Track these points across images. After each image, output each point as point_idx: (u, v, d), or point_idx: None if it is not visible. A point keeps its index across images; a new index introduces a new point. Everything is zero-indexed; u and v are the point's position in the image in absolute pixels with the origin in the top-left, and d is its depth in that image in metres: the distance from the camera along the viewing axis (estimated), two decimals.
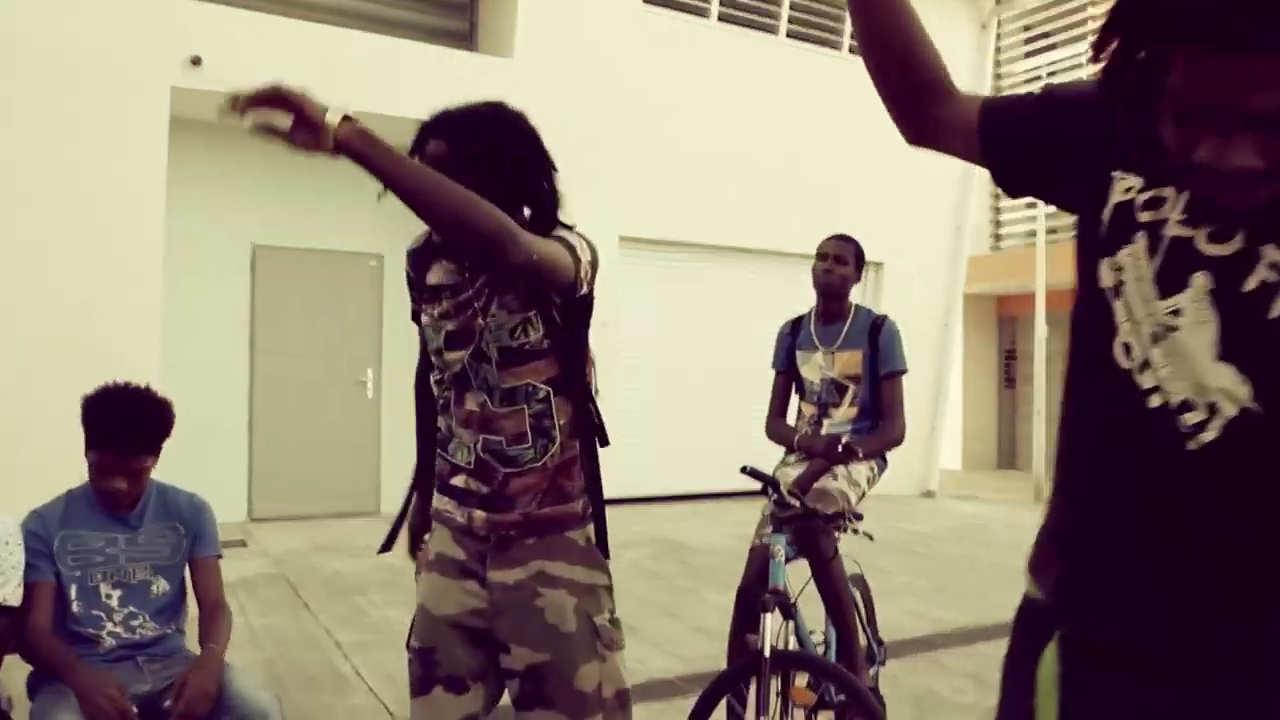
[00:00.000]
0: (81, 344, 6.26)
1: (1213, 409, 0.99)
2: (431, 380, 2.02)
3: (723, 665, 4.28)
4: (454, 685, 1.95)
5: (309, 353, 8.18)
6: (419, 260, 2.01)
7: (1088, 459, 1.12)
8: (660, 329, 9.41)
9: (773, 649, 2.66)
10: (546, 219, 1.89)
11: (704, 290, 9.79)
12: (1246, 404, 0.96)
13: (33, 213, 6.41)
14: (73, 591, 2.45)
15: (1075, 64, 14.44)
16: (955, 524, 9.08)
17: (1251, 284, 0.96)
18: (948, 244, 11.13)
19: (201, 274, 7.67)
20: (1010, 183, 1.23)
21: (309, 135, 1.45)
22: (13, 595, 2.34)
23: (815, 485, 3.08)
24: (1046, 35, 14.66)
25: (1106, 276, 1.07)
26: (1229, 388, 0.98)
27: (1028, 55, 15.04)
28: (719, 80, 9.40)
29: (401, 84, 7.33)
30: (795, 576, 2.94)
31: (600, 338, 2.08)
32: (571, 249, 1.81)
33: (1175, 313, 1.01)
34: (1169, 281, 1.01)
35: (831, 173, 9.93)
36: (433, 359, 1.99)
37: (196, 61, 6.82)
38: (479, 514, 1.93)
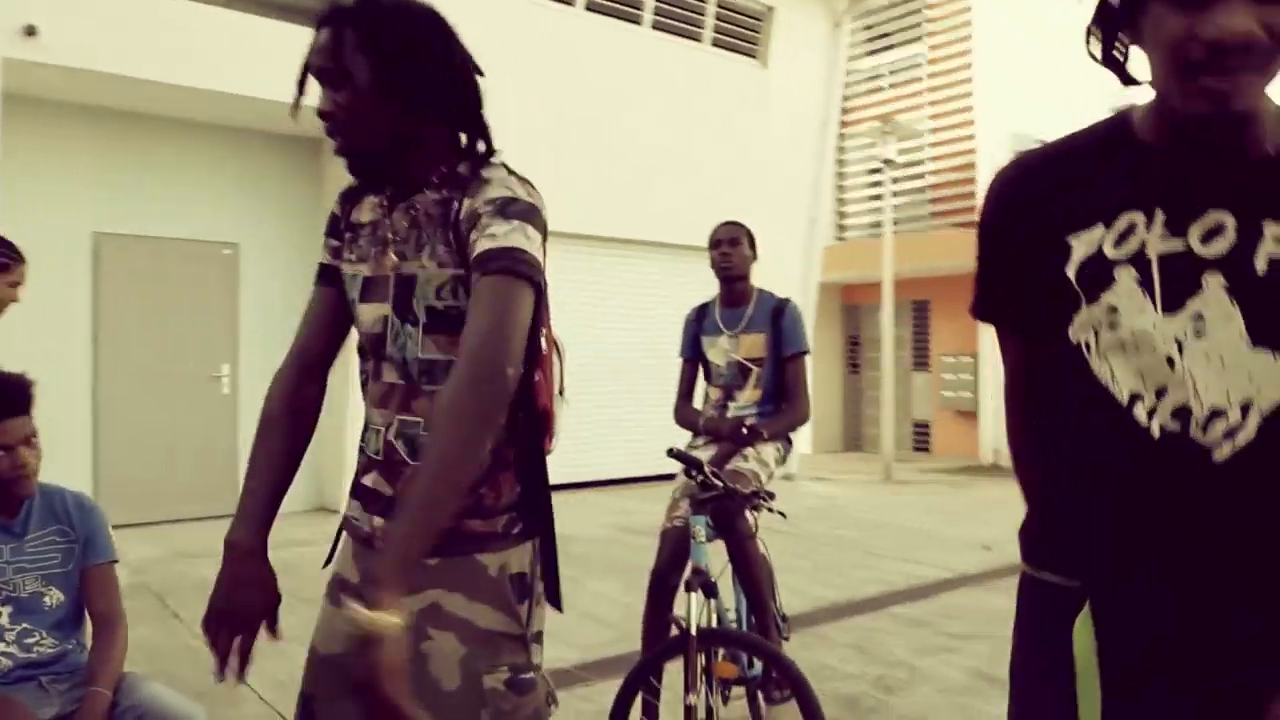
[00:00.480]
0: None
1: (1246, 408, 1.03)
2: (357, 368, 1.67)
3: (616, 650, 4.36)
4: None
5: (159, 348, 7.70)
6: (350, 197, 1.69)
7: (1097, 479, 1.14)
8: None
9: (699, 627, 2.73)
10: (484, 148, 1.60)
11: (590, 282, 9.83)
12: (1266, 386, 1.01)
13: None
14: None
15: (913, 64, 15.21)
16: (815, 504, 9.47)
17: (1261, 265, 1.02)
18: (802, 235, 11.54)
19: (36, 265, 7.07)
20: (1011, 303, 1.25)
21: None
22: None
23: (728, 466, 3.16)
24: (886, 35, 15.40)
25: (1092, 323, 1.11)
26: (1263, 371, 1.02)
27: (870, 54, 15.75)
28: (581, 67, 9.42)
29: (260, 62, 6.99)
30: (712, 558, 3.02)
31: None
32: (520, 260, 1.44)
33: (1198, 317, 1.05)
34: (1175, 296, 1.05)
35: (689, 160, 10.13)
36: (356, 329, 1.67)
37: (31, 31, 6.28)
38: (378, 521, 1.58)
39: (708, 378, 3.55)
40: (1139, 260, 1.06)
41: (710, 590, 2.86)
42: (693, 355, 3.58)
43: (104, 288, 7.48)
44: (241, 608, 1.55)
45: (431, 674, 1.47)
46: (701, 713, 2.69)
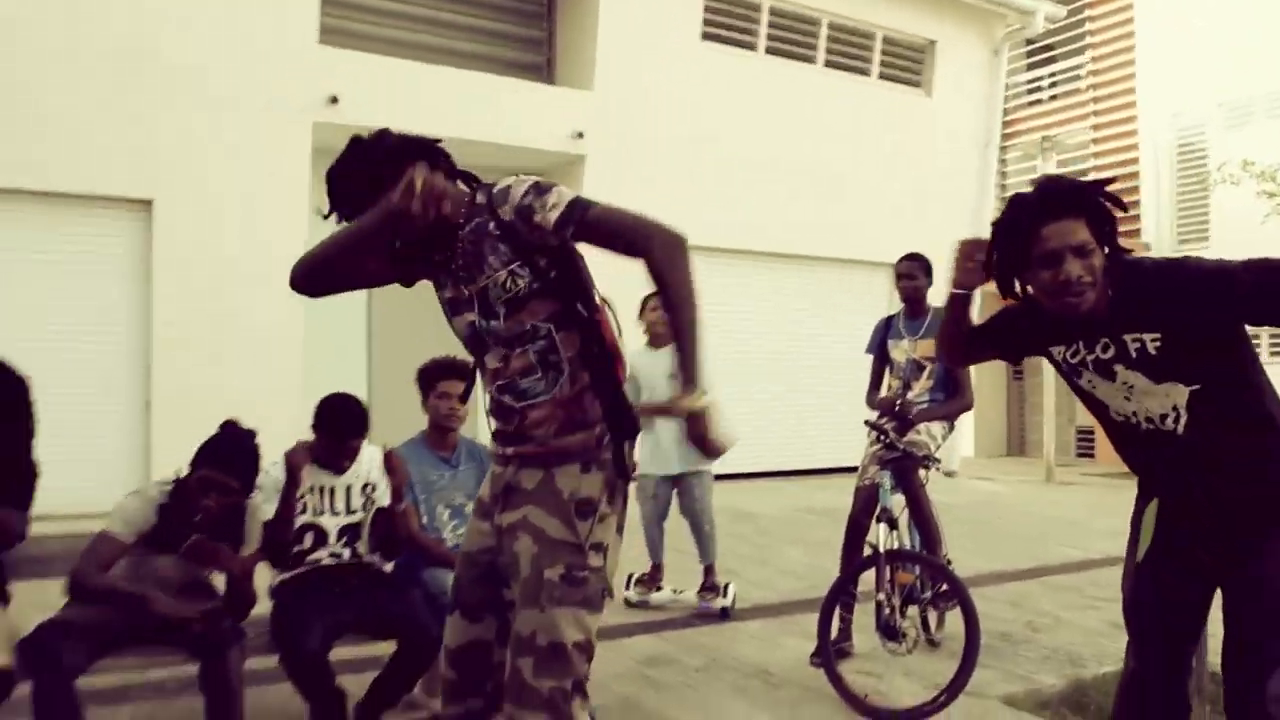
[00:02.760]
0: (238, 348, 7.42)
1: (1175, 409, 2.10)
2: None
3: (808, 596, 5.44)
4: (468, 613, 2.20)
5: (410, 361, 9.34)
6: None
7: (1130, 448, 2.25)
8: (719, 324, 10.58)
9: (886, 549, 3.87)
10: (468, 179, 2.25)
11: (772, 293, 11.03)
12: (1187, 394, 2.06)
13: (220, 225, 7.62)
14: (422, 509, 3.61)
15: (1074, 75, 15.56)
16: (977, 498, 10.24)
17: (1132, 353, 2.09)
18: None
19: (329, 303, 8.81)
20: (1005, 355, 2.48)
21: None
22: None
23: (905, 437, 4.25)
24: (1048, 48, 15.77)
25: (1085, 385, 2.22)
26: (1171, 392, 2.08)
27: (1030, 67, 16.17)
28: (765, 104, 10.57)
29: (495, 115, 8.54)
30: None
31: None
32: (581, 200, 2.06)
33: (1127, 385, 2.13)
34: (1109, 376, 2.14)
35: (863, 184, 11.13)
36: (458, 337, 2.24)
37: (334, 100, 8.01)
38: (509, 449, 2.16)
39: (891, 371, 4.65)
40: (1085, 364, 2.18)
41: (893, 524, 3.99)
42: (879, 353, 4.69)
43: (376, 304, 9.16)
44: None
45: (519, 565, 2.07)
46: (886, 609, 3.81)
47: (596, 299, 2.16)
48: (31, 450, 2.60)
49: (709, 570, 5.18)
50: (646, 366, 4.97)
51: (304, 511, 3.28)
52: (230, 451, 3.07)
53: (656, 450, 5.10)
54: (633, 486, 4.79)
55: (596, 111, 9.19)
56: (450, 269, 2.14)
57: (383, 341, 9.18)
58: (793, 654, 4.42)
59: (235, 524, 3.13)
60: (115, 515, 3.04)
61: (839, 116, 11.06)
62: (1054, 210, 2.04)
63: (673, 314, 1.98)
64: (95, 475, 6.90)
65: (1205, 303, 2.01)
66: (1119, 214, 2.09)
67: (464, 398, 3.52)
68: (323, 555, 3.31)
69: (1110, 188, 2.10)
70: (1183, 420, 2.10)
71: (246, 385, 7.24)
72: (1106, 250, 2.08)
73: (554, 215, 2.01)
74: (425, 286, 2.31)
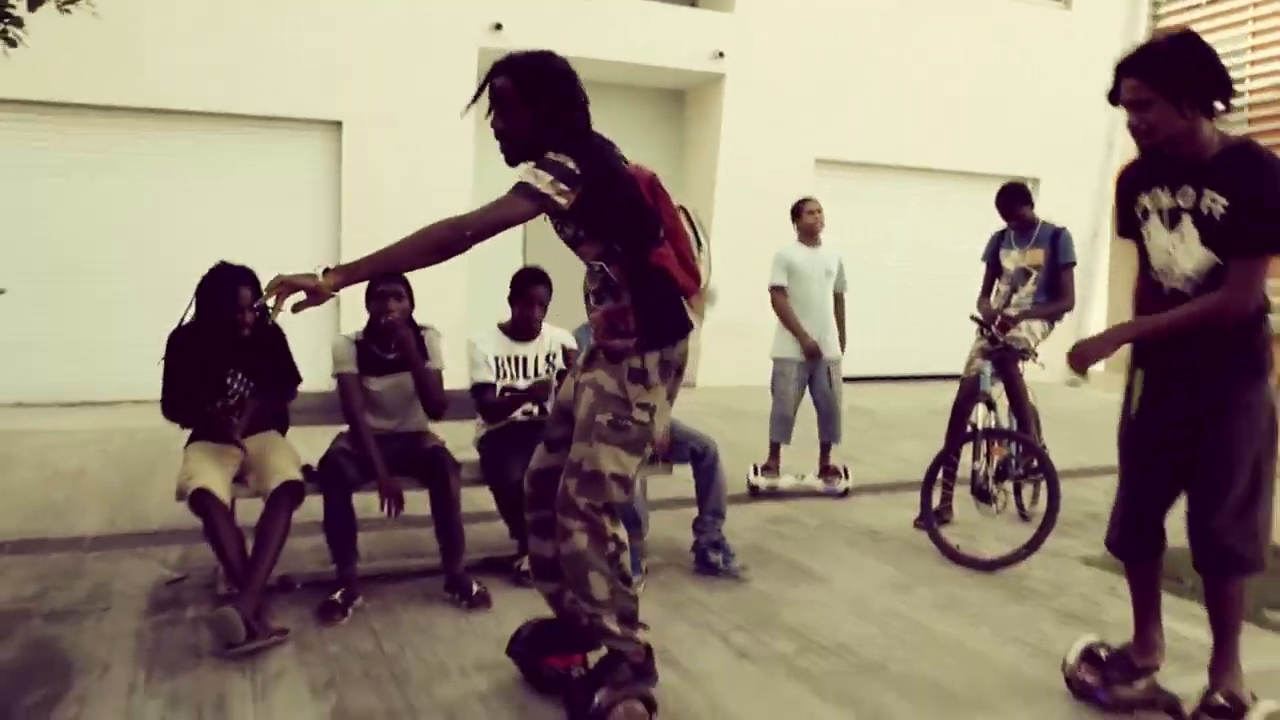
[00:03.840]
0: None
1: (1199, 275, 2.56)
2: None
3: (917, 478, 6.07)
4: (550, 445, 2.87)
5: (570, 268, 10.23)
6: None
7: (1150, 308, 2.71)
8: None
9: (984, 427, 4.51)
10: (569, 138, 2.57)
11: (882, 206, 11.38)
12: (1211, 265, 2.53)
13: (397, 144, 8.58)
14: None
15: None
16: (1090, 407, 10.49)
17: (1204, 210, 2.56)
18: (1099, 160, 12.26)
19: (500, 189, 9.75)
20: (1128, 220, 2.85)
21: (316, 296, 2.28)
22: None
23: (1008, 333, 4.82)
24: None
25: (1145, 234, 2.70)
26: (1204, 259, 2.55)
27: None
28: (903, 22, 10.77)
29: (643, 37, 9.12)
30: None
31: None
32: (523, 188, 2.45)
33: (1180, 238, 2.59)
34: (1174, 223, 2.61)
35: (998, 101, 11.23)
36: None
37: (498, 27, 8.78)
38: (583, 376, 2.77)
39: (1000, 278, 5.20)
40: (1159, 209, 2.65)
41: (991, 405, 4.61)
42: (992, 261, 5.24)
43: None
44: None
45: (580, 408, 2.69)
46: (980, 476, 4.48)
47: (657, 236, 2.65)
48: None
49: (827, 449, 5.81)
50: (803, 260, 5.68)
51: (501, 377, 4.16)
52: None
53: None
54: (771, 369, 5.57)
55: (737, 32, 9.67)
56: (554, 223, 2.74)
57: (534, 252, 10.11)
58: (898, 520, 5.14)
59: (421, 348, 3.96)
60: (334, 360, 3.92)
61: (977, 31, 11.15)
62: (1123, 69, 2.54)
63: (393, 245, 2.44)
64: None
65: (1250, 209, 2.45)
66: (1193, 74, 2.43)
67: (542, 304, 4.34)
68: (516, 413, 4.19)
69: (1269, 96, 2.58)
70: (1198, 287, 2.58)
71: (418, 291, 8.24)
72: (1185, 104, 2.44)
73: None
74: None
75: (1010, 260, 5.14)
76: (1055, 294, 5.02)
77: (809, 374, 5.73)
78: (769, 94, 9.59)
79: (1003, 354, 4.75)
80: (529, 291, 4.19)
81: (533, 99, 2.59)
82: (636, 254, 2.64)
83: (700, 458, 4.26)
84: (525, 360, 4.25)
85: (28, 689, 2.89)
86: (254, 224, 8.43)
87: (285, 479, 3.52)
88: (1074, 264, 5.04)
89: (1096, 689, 2.91)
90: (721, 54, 9.60)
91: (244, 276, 3.67)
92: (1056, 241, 5.02)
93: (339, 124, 8.56)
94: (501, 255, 9.70)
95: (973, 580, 4.19)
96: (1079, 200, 12.13)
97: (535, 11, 8.88)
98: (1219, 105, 2.49)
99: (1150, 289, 2.74)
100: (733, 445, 7.31)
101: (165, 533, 4.62)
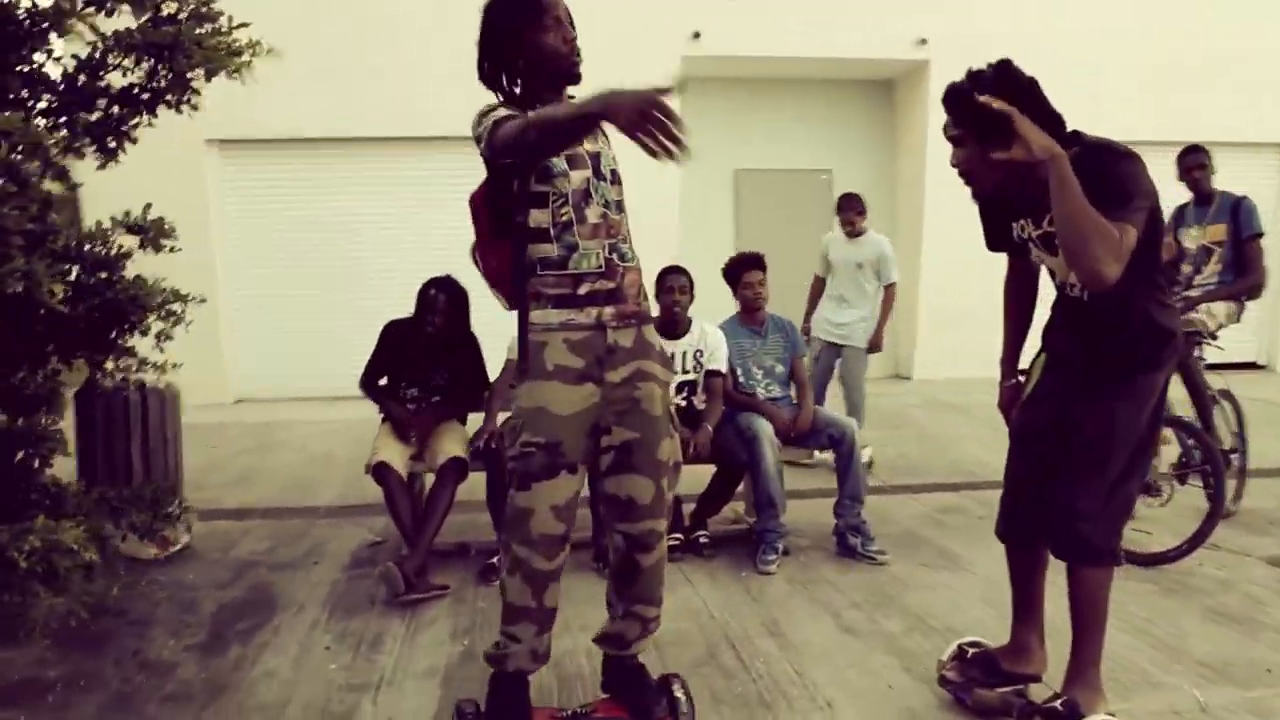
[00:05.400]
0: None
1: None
2: (543, 214, 2.35)
3: None
4: (573, 469, 2.37)
5: (782, 256, 10.40)
6: None
7: (1060, 311, 2.64)
8: None
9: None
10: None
11: None
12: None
13: None
14: (739, 371, 4.69)
15: None
16: None
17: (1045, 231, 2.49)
18: None
19: (697, 195, 10.13)
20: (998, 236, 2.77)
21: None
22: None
23: (1185, 316, 4.52)
24: None
25: (1035, 260, 2.67)
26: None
27: None
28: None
29: (842, 30, 9.10)
30: None
31: None
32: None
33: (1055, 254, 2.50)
34: (1052, 250, 2.50)
35: (1227, 69, 10.14)
36: (551, 185, 2.34)
37: (697, 35, 9.14)
38: (607, 310, 2.39)
39: (1184, 259, 4.87)
40: (1034, 238, 2.56)
41: None
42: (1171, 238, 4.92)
43: (742, 211, 10.35)
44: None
45: (644, 408, 2.43)
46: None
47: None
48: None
49: None
50: (839, 252, 6.14)
51: None
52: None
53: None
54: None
55: (940, 17, 9.43)
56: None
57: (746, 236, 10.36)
58: None
59: None
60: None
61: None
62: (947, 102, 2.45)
63: (557, 108, 2.17)
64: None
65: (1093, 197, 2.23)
66: (995, 105, 2.27)
67: (761, 283, 4.54)
68: None
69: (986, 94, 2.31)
70: (1085, 291, 2.51)
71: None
72: (985, 138, 2.33)
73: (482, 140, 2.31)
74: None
75: (1190, 238, 4.80)
76: (1242, 270, 4.64)
77: (834, 357, 6.11)
78: None
79: None
80: (664, 281, 4.46)
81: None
82: None
83: (838, 443, 4.38)
84: (673, 357, 4.49)
85: (241, 619, 3.61)
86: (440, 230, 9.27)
87: (450, 457, 4.07)
88: (1260, 235, 4.63)
89: (960, 690, 2.82)
90: (924, 40, 9.40)
91: (444, 285, 4.27)
92: (1237, 212, 4.64)
93: None
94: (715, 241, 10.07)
95: (1129, 573, 4.01)
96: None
97: (731, 16, 9.14)
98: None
99: (1061, 293, 2.68)
100: (928, 437, 7.25)
101: (378, 505, 5.37)
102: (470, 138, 2.34)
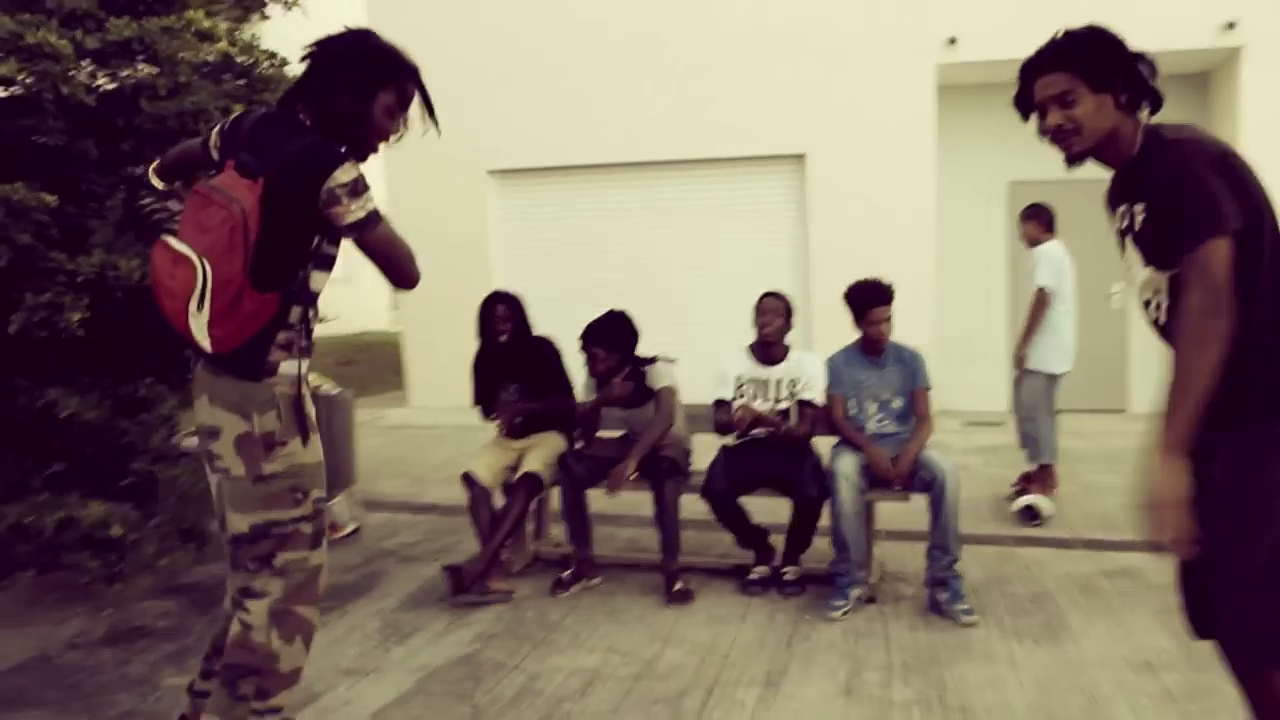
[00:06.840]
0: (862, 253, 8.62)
1: (1159, 294, 1.95)
2: (323, 277, 2.33)
3: None
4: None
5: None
6: None
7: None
8: None
9: None
10: None
11: None
12: (1165, 279, 1.89)
13: (860, 169, 8.99)
14: (852, 403, 4.44)
15: None
16: None
17: (1137, 221, 1.96)
18: None
19: (965, 206, 9.47)
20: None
21: None
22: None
23: None
24: None
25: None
26: (1153, 277, 1.94)
27: None
28: None
29: (1126, 22, 8.05)
30: None
31: None
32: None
33: (1130, 262, 2.02)
34: (1124, 249, 2.04)
35: None
36: (336, 249, 2.34)
37: (952, 41, 8.59)
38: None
39: None
40: (1120, 235, 2.07)
41: None
42: None
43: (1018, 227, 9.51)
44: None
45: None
46: None
47: None
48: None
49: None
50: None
51: (742, 397, 4.42)
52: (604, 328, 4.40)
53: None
54: None
55: None
56: None
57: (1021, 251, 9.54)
58: None
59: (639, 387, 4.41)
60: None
61: None
62: (1040, 67, 2.05)
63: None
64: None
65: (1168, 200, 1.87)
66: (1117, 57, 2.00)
67: (886, 321, 4.34)
68: (758, 430, 4.41)
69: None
70: (1164, 309, 1.94)
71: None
72: (1116, 96, 2.00)
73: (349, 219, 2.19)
74: None
75: None
76: None
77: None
78: None
79: None
80: (758, 305, 4.41)
81: None
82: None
83: (928, 486, 4.02)
84: (767, 384, 4.43)
85: (332, 597, 4.10)
86: (732, 255, 9.50)
87: (526, 471, 4.33)
88: None
89: None
90: (1232, 24, 7.99)
91: (501, 297, 4.60)
92: None
93: (801, 156, 9.15)
94: (982, 259, 9.39)
95: None
96: None
97: (988, 21, 8.44)
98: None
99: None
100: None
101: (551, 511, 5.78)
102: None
